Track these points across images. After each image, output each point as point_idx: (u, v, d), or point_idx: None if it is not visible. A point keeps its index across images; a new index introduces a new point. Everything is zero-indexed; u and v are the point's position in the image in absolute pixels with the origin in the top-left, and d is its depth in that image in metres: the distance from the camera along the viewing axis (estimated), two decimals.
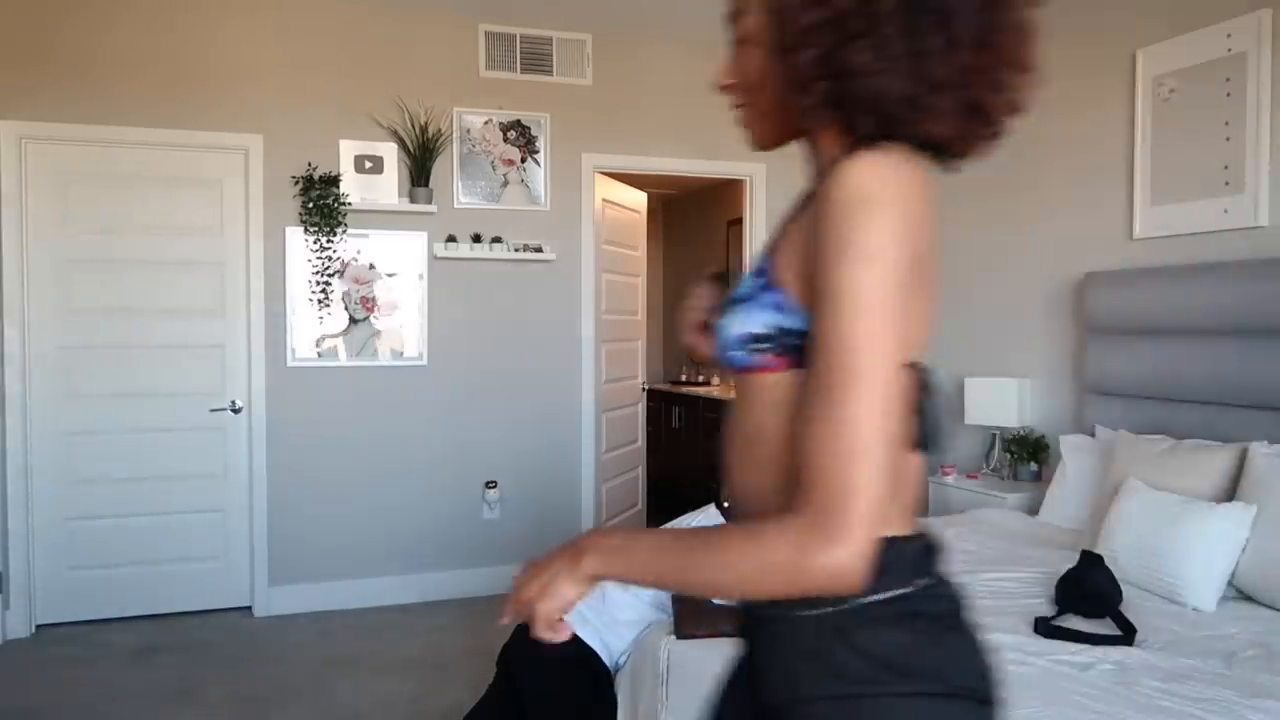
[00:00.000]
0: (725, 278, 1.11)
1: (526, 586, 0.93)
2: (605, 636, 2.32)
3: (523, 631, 2.26)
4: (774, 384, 0.91)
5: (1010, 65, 0.90)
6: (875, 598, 0.89)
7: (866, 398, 0.80)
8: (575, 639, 2.28)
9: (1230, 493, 2.76)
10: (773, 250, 0.94)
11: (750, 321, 0.90)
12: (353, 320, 4.29)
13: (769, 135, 1.03)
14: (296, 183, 4.15)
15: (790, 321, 0.88)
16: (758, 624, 1.01)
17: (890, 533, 0.88)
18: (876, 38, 0.85)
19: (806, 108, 0.92)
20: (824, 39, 0.87)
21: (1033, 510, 3.68)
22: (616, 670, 2.38)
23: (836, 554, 0.79)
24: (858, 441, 0.79)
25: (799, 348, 0.88)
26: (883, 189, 0.82)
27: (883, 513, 0.81)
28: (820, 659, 0.91)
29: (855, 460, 0.79)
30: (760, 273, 0.93)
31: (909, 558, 0.92)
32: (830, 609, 0.89)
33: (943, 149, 0.94)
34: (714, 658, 2.13)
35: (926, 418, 0.94)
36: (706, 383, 7.20)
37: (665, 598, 2.39)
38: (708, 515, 2.59)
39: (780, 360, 0.90)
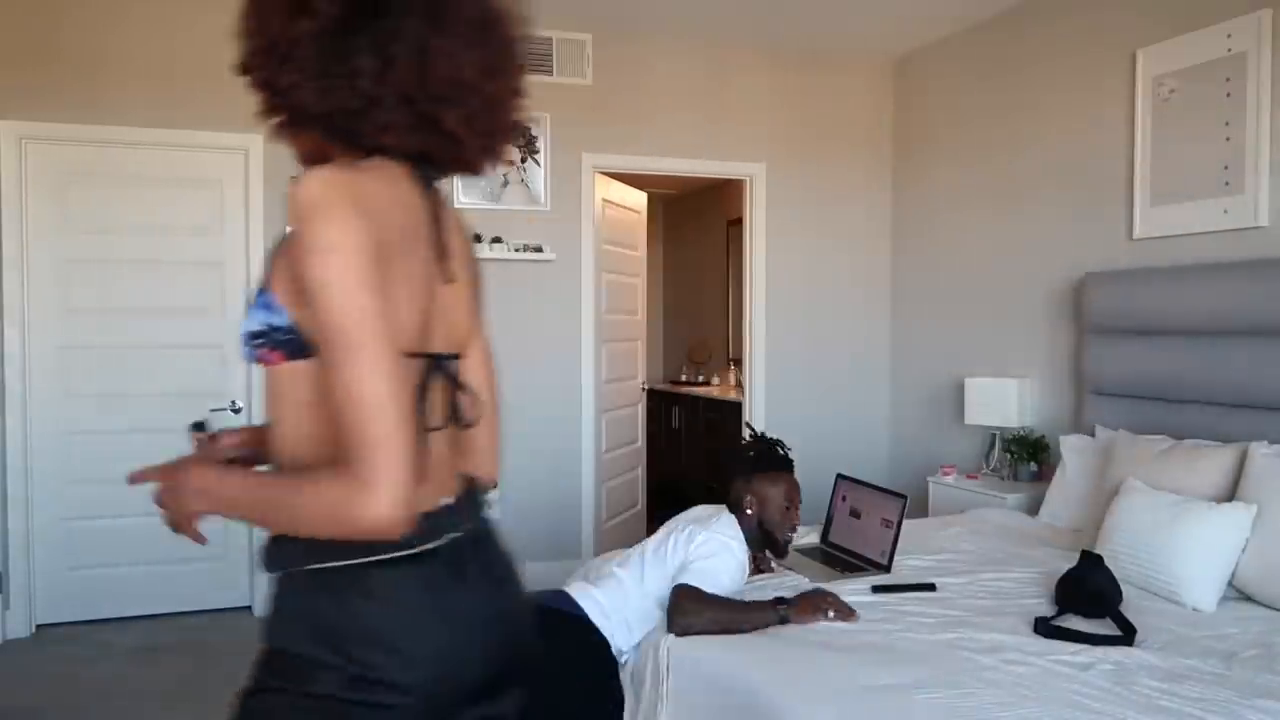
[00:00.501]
0: (203, 424, 1.24)
1: (163, 498, 1.05)
2: (615, 631, 2.31)
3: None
4: (278, 375, 1.02)
5: (464, 86, 1.02)
6: (326, 565, 0.99)
7: (365, 365, 0.91)
8: (586, 627, 2.26)
9: (1230, 493, 2.76)
10: (271, 259, 1.05)
11: (250, 321, 1.02)
12: None
13: (299, 151, 1.13)
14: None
15: (277, 319, 1.00)
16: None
17: None
18: (299, 60, 0.98)
19: (276, 125, 1.05)
20: (264, 62, 1.01)
21: (1033, 510, 3.68)
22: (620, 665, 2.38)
23: (369, 503, 0.89)
24: (368, 402, 0.91)
25: (290, 342, 1.00)
26: (327, 193, 0.94)
27: (409, 462, 0.91)
28: (278, 611, 1.02)
29: (370, 418, 0.90)
30: (263, 279, 1.04)
31: None
32: (298, 568, 1.00)
33: (439, 162, 1.07)
34: (713, 656, 2.14)
35: (452, 399, 1.09)
36: (706, 383, 7.20)
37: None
38: (713, 514, 2.57)
39: (275, 354, 1.01)
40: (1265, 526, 2.57)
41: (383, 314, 0.93)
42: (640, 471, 5.54)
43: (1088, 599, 2.39)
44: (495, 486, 1.28)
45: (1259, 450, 2.75)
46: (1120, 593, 2.43)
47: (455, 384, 1.12)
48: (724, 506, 2.58)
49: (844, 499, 3.06)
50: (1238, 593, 2.60)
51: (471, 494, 1.16)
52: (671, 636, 2.25)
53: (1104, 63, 3.74)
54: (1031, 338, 4.15)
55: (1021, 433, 4.06)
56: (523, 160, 4.50)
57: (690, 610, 2.23)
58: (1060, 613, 2.38)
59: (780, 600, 2.31)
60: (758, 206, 4.94)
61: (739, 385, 6.11)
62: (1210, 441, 2.99)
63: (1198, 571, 2.54)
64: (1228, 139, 3.19)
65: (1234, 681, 1.98)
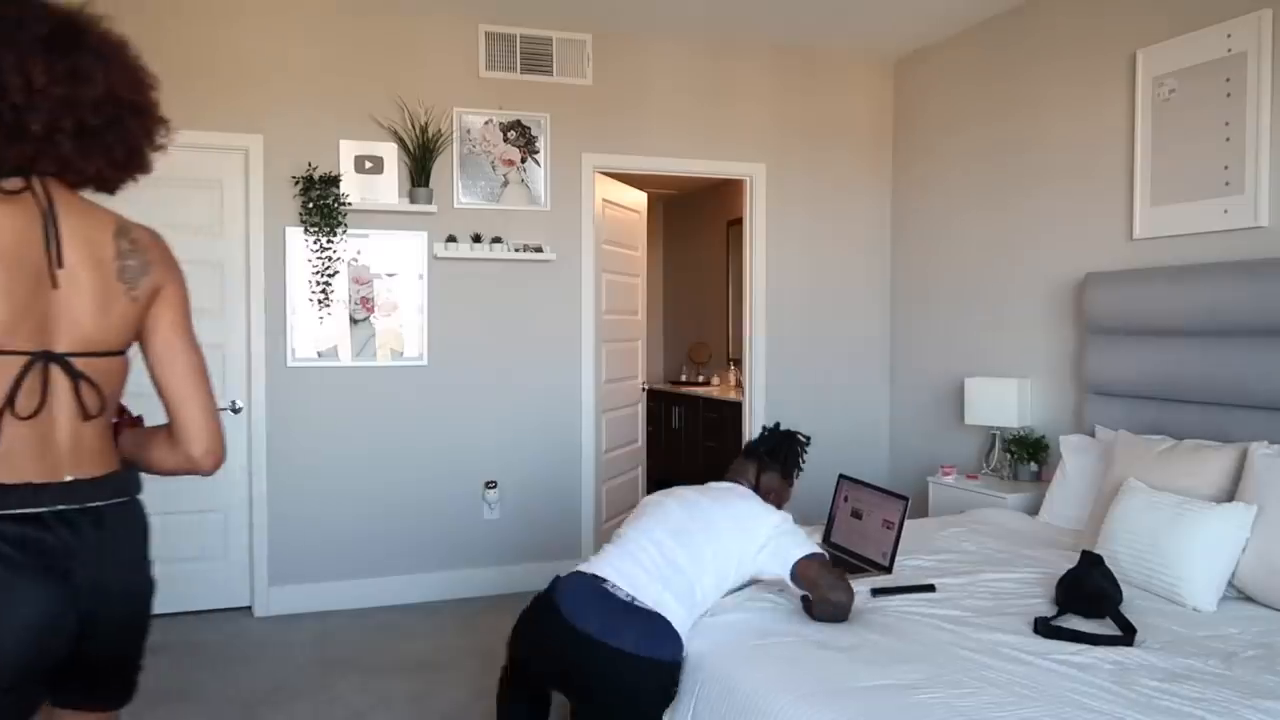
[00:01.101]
0: None
1: None
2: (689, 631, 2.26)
3: (542, 616, 2.25)
4: None
5: (36, 91, 1.20)
6: None
7: None
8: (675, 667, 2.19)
9: (1230, 493, 2.76)
10: None
11: None
12: (353, 320, 4.29)
13: None
14: (296, 183, 4.14)
15: None
16: None
17: None
18: None
19: None
20: None
21: (1033, 510, 3.68)
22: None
23: None
24: None
25: None
26: None
27: None
28: None
29: None
30: None
31: None
32: None
33: (44, 170, 1.27)
34: (714, 655, 2.14)
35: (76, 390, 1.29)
36: (706, 383, 7.20)
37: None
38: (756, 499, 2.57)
39: None
40: (1265, 526, 2.56)
41: None
42: (640, 471, 5.54)
43: (1088, 599, 2.39)
44: (210, 468, 1.50)
45: (1259, 450, 2.75)
46: (1120, 593, 2.42)
47: (76, 377, 1.29)
48: (750, 491, 2.52)
49: (846, 499, 3.06)
50: (1238, 593, 2.60)
51: (115, 477, 1.39)
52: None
53: (1104, 62, 3.74)
54: (1032, 338, 4.15)
55: (1021, 433, 4.06)
56: (522, 160, 4.50)
57: (847, 592, 2.28)
58: (1060, 613, 2.38)
59: None
60: (758, 206, 4.94)
61: (739, 385, 6.11)
62: (1210, 441, 2.99)
63: (1198, 571, 2.54)
64: (1228, 139, 3.19)
65: (1234, 681, 1.97)
